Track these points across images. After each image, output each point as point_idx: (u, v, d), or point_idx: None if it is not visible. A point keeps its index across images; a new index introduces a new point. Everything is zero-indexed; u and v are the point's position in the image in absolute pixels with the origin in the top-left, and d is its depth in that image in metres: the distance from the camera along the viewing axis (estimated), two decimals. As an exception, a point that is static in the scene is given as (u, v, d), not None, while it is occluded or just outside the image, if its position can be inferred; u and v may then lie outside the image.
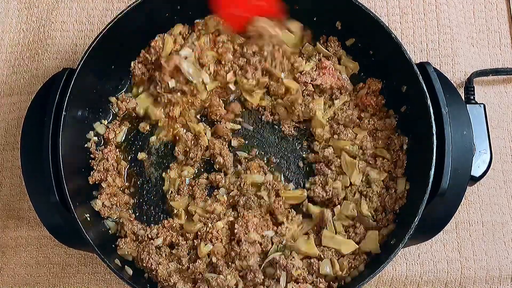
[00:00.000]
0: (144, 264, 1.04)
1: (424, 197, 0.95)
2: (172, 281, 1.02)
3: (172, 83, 1.12)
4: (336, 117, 1.13)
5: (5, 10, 1.29)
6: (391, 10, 1.24)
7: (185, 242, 1.07)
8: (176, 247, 1.07)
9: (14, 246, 1.17)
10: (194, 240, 1.07)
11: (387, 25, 1.07)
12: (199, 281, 1.02)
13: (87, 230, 0.98)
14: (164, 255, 1.06)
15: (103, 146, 1.14)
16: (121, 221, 1.09)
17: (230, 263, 1.03)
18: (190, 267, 1.04)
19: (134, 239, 1.08)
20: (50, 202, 0.98)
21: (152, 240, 1.06)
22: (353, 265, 1.02)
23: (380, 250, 1.02)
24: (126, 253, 1.06)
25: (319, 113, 1.12)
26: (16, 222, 1.18)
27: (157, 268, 1.03)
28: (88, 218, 1.04)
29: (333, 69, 1.14)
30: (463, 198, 1.03)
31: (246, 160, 1.13)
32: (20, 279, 1.15)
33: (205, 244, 1.05)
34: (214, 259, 1.04)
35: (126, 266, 1.04)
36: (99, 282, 1.14)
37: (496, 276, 1.12)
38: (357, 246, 1.03)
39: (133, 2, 1.05)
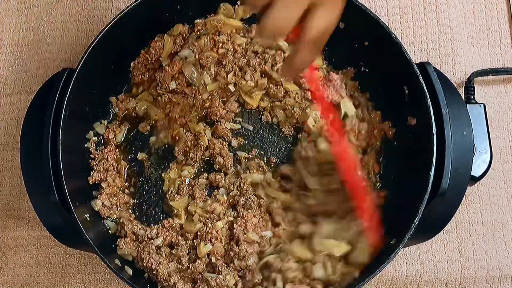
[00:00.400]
0: (144, 264, 1.04)
1: (424, 197, 0.95)
2: (172, 281, 1.02)
3: (173, 85, 1.12)
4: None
5: (5, 10, 1.29)
6: (391, 10, 1.24)
7: (185, 242, 1.07)
8: (176, 247, 1.07)
9: (14, 246, 1.17)
10: (194, 240, 1.07)
11: (387, 25, 1.07)
12: (198, 281, 1.02)
13: (87, 230, 0.97)
14: (164, 255, 1.05)
15: (103, 146, 1.14)
16: (121, 221, 1.09)
17: (229, 263, 1.03)
18: (189, 267, 1.04)
19: (134, 239, 1.08)
20: (50, 202, 0.98)
21: (152, 240, 1.06)
22: (345, 272, 1.00)
23: (368, 260, 0.99)
24: (126, 253, 1.06)
25: (311, 119, 1.12)
26: (16, 222, 1.18)
27: (157, 268, 1.03)
28: (88, 218, 1.04)
29: (339, 84, 1.14)
30: (463, 198, 1.03)
31: (246, 160, 1.13)
32: (20, 279, 1.15)
33: (205, 244, 1.05)
34: (213, 259, 1.04)
35: (126, 266, 1.04)
36: (99, 282, 1.14)
37: (496, 276, 1.12)
38: (349, 248, 1.01)
39: (133, 2, 1.05)
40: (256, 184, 1.10)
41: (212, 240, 1.05)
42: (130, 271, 1.03)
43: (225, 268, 1.02)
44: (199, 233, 1.07)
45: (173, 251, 1.06)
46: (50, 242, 1.16)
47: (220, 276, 1.01)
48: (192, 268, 1.03)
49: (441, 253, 1.12)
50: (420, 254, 1.12)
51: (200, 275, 1.03)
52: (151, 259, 1.03)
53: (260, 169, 1.12)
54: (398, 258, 1.12)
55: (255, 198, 1.08)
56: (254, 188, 1.10)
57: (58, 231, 1.03)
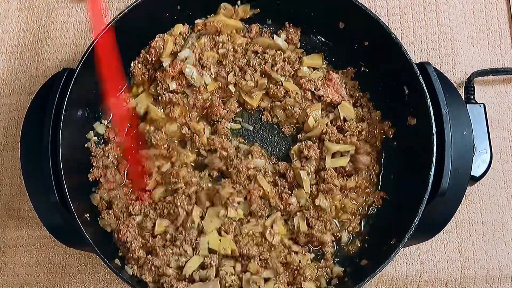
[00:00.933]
0: (120, 237, 1.04)
1: (424, 197, 0.96)
2: (137, 254, 1.03)
3: (173, 85, 1.12)
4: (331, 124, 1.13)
5: (5, 10, 1.29)
6: (391, 10, 1.24)
7: (154, 216, 1.07)
8: (144, 218, 1.07)
9: (14, 246, 1.17)
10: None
11: (387, 25, 1.07)
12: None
13: (87, 230, 0.98)
14: (139, 232, 1.06)
15: (104, 144, 1.14)
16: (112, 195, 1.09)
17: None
18: (149, 241, 1.05)
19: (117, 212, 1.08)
20: (50, 202, 0.98)
21: (133, 216, 1.07)
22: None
23: None
24: (107, 223, 1.06)
25: (311, 119, 1.12)
26: (16, 222, 1.18)
27: (131, 242, 1.03)
28: (88, 218, 1.04)
29: (338, 83, 1.14)
30: (463, 198, 1.03)
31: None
32: (20, 279, 1.15)
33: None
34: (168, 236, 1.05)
35: (126, 266, 1.04)
36: (99, 282, 1.14)
37: (496, 276, 1.12)
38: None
39: (133, 2, 1.05)
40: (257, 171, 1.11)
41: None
42: (130, 271, 1.03)
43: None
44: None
45: (142, 224, 1.07)
46: (50, 242, 1.16)
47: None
48: (152, 243, 1.04)
49: (441, 253, 1.13)
50: (420, 254, 1.12)
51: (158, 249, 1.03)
52: (127, 232, 1.03)
53: (262, 157, 1.12)
54: (398, 258, 1.12)
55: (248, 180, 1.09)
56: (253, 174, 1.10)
57: (58, 231, 1.03)
